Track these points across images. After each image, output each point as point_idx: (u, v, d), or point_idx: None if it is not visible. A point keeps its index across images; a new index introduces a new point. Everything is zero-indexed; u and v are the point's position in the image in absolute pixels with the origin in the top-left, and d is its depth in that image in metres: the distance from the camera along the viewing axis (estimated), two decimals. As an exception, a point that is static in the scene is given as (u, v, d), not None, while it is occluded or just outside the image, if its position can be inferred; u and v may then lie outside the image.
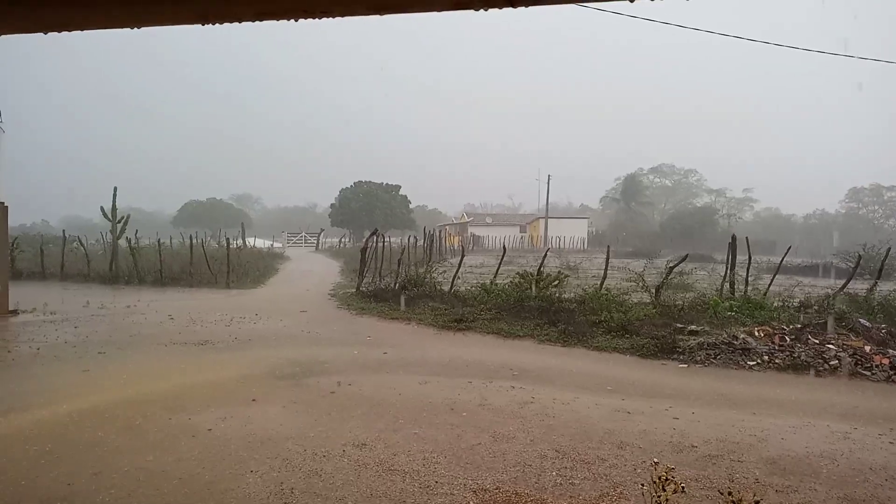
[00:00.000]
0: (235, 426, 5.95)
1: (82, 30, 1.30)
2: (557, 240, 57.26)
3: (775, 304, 12.98)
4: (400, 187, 67.20)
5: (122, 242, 25.05)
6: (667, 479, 3.24)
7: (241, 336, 11.24)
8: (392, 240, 29.50)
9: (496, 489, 4.52)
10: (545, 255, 18.06)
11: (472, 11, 1.36)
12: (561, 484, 4.66)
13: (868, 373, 8.69)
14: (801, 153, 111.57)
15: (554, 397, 7.24)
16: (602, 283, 14.69)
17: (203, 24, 1.25)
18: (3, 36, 1.43)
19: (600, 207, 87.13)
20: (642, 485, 3.93)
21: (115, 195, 25.02)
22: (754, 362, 9.22)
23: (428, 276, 16.52)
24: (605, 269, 15.67)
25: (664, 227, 68.78)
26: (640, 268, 15.84)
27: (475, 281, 17.27)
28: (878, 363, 8.89)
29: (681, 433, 5.99)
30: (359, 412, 6.50)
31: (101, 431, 5.75)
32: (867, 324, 10.60)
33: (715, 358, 9.45)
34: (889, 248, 16.25)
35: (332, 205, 67.68)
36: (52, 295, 17.56)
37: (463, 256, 19.35)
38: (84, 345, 10.23)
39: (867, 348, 9.46)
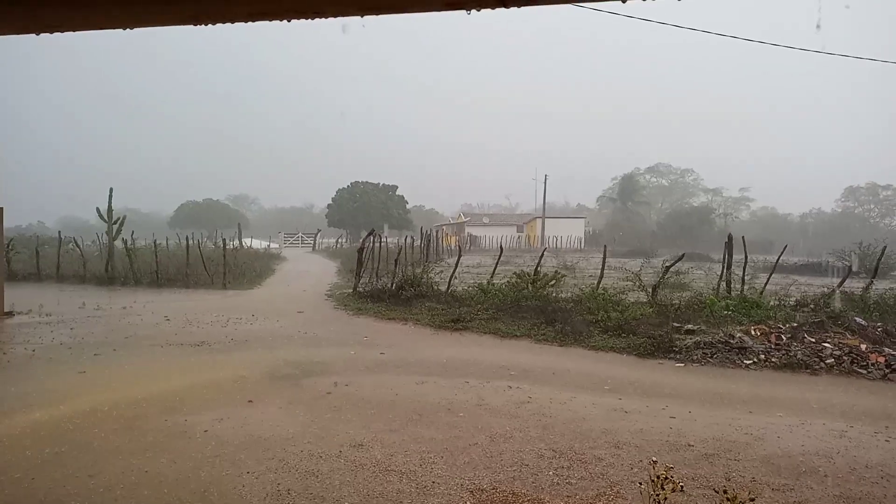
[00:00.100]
0: (232, 427, 5.94)
1: (75, 31, 1.29)
2: (554, 239, 57.32)
3: (772, 302, 13.01)
4: (397, 187, 67.22)
5: (119, 243, 25.01)
6: (666, 478, 3.24)
7: (238, 337, 11.22)
8: (389, 240, 29.53)
9: (493, 489, 4.52)
10: (542, 254, 18.07)
11: (465, 12, 1.36)
12: (558, 483, 4.66)
13: (864, 371, 8.72)
14: (798, 153, 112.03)
15: (551, 397, 7.24)
16: (599, 283, 14.70)
17: (195, 25, 1.25)
18: (-3, 37, 1.43)
19: (597, 207, 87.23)
20: (640, 483, 3.94)
21: (110, 196, 24.98)
22: (751, 361, 9.24)
23: (425, 276, 16.50)
24: (602, 269, 15.69)
25: (661, 227, 68.90)
26: (636, 267, 15.89)
27: (472, 281, 17.28)
28: (874, 361, 8.92)
29: (677, 432, 6.00)
30: (356, 413, 6.50)
31: (98, 433, 5.73)
32: (863, 322, 10.64)
33: (711, 357, 9.47)
34: (885, 247, 16.29)
35: (328, 205, 67.64)
36: (48, 296, 17.51)
37: (460, 256, 19.36)
38: (80, 346, 10.20)
39: (863, 347, 9.50)
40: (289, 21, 1.23)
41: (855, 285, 14.58)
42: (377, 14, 1.22)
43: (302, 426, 6.02)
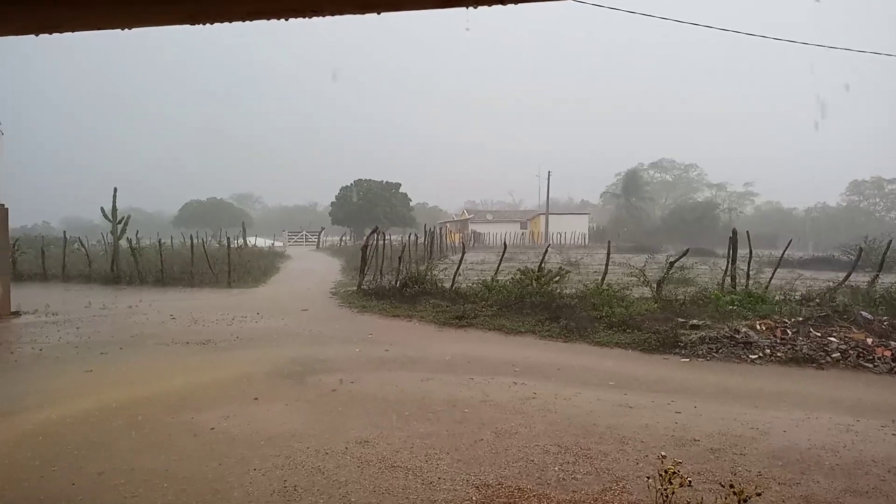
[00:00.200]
0: (238, 425, 5.96)
1: (74, 31, 1.30)
2: (558, 236, 57.27)
3: (777, 297, 12.96)
4: (400, 185, 67.28)
5: (123, 243, 25.09)
6: (673, 473, 3.24)
7: (243, 335, 11.26)
8: (393, 238, 29.54)
9: (498, 485, 4.53)
10: (546, 251, 18.06)
11: (465, 9, 1.35)
12: (563, 479, 4.67)
13: (870, 365, 8.68)
14: (802, 147, 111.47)
15: (556, 393, 7.24)
16: (603, 279, 14.69)
17: (193, 24, 1.25)
18: (-2, 38, 1.44)
19: (601, 203, 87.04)
20: (648, 478, 3.94)
21: (115, 196, 25.05)
22: (756, 356, 9.21)
23: (429, 273, 16.51)
24: (606, 265, 15.66)
25: (665, 222, 68.74)
26: (641, 263, 15.85)
27: (476, 278, 17.28)
28: (880, 355, 8.89)
29: (683, 427, 5.99)
30: (361, 409, 6.51)
31: (105, 431, 5.77)
32: (869, 316, 10.59)
33: (717, 352, 9.45)
34: (890, 241, 16.17)
35: (332, 203, 67.72)
36: (54, 296, 17.61)
37: (464, 253, 19.35)
38: (86, 345, 10.25)
39: (869, 340, 9.46)
40: (286, 20, 1.23)
41: (861, 279, 14.51)
42: (374, 12, 1.22)
43: (308, 423, 6.04)
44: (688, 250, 15.44)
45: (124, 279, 22.49)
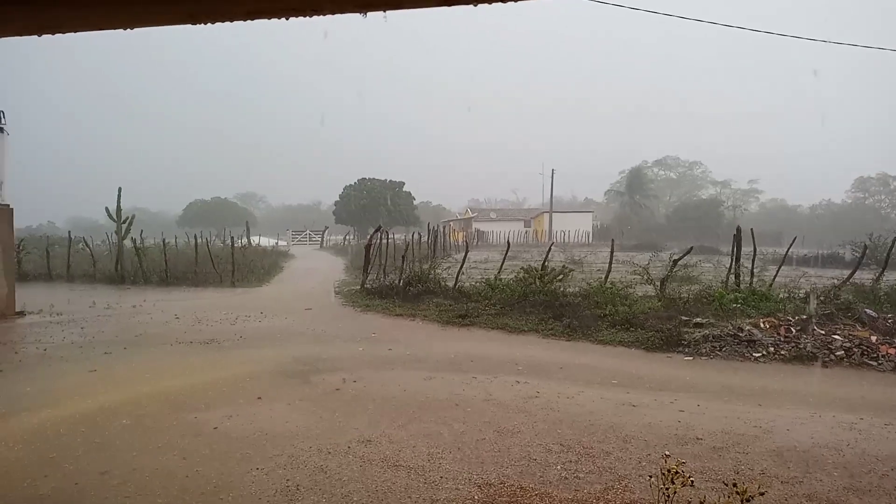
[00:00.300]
0: (241, 424, 5.98)
1: (75, 31, 1.30)
2: (562, 234, 57.16)
3: (781, 295, 12.93)
4: (404, 184, 67.24)
5: (128, 243, 25.19)
6: (676, 472, 3.23)
7: (247, 334, 11.28)
8: (396, 236, 29.56)
9: (501, 484, 4.53)
10: (549, 249, 18.04)
11: (463, 7, 1.35)
12: (566, 478, 4.67)
13: (874, 363, 8.66)
14: (807, 144, 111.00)
15: (559, 391, 7.24)
16: (607, 277, 14.68)
17: (194, 24, 1.25)
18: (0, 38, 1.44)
19: (605, 201, 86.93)
20: (650, 476, 3.94)
21: (119, 196, 25.14)
22: (760, 354, 9.19)
23: (432, 272, 16.52)
24: (610, 263, 15.64)
25: (669, 220, 68.63)
26: (645, 261, 15.80)
27: (479, 276, 17.29)
28: (885, 353, 8.86)
29: (686, 426, 5.98)
30: (364, 409, 6.52)
31: (108, 431, 5.79)
32: (873, 314, 10.56)
33: (720, 350, 9.43)
34: (895, 238, 16.13)
35: (336, 202, 67.77)
36: (59, 296, 17.66)
37: (467, 252, 19.36)
38: (90, 345, 10.29)
39: (873, 338, 9.43)
40: (287, 19, 1.23)
41: (866, 277, 14.46)
42: (374, 10, 1.22)
43: (310, 422, 6.05)
44: (691, 248, 15.40)
45: (128, 279, 22.55)
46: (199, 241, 25.03)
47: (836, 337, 9.57)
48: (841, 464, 4.98)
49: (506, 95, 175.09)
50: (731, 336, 9.80)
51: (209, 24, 1.30)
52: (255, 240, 43.09)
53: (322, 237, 54.73)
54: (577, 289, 13.96)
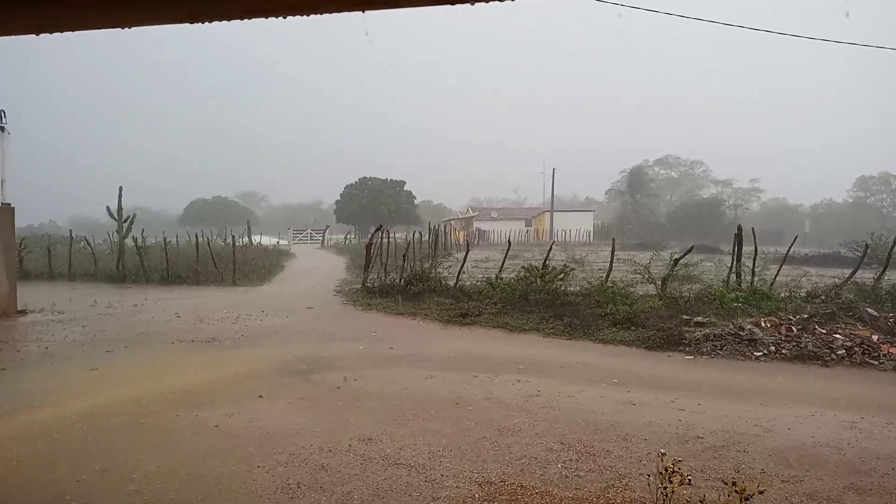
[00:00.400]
0: (242, 422, 5.99)
1: (73, 30, 1.31)
2: (563, 233, 57.15)
3: (782, 294, 12.91)
4: (405, 183, 67.23)
5: (129, 242, 25.22)
6: (673, 471, 3.24)
7: (248, 333, 11.30)
8: (397, 235, 29.56)
9: (501, 482, 4.54)
10: (550, 248, 18.04)
11: (463, 7, 1.35)
12: (566, 476, 4.67)
13: (875, 362, 8.65)
14: (809, 143, 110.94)
15: (559, 390, 7.24)
16: (608, 276, 14.67)
17: (192, 23, 1.26)
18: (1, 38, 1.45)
19: (606, 200, 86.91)
20: (648, 475, 3.94)
21: (120, 195, 25.18)
22: (761, 353, 9.19)
23: (433, 271, 16.53)
24: (611, 262, 15.63)
25: (670, 219, 68.55)
26: (646, 260, 15.80)
27: (480, 275, 17.28)
28: (886, 352, 8.86)
29: (686, 424, 5.98)
30: (365, 407, 6.53)
31: (109, 429, 5.80)
32: (874, 313, 10.55)
33: (721, 349, 9.43)
34: (897, 237, 16.10)
35: (337, 201, 67.79)
36: (60, 294, 17.70)
37: (468, 251, 19.37)
38: (92, 343, 10.31)
39: (874, 338, 9.43)
40: (284, 17, 1.23)
41: (867, 276, 14.44)
42: (372, 9, 1.22)
43: (311, 421, 6.06)
44: (692, 247, 15.40)
45: (130, 278, 22.58)
46: (200, 240, 25.04)
47: (837, 336, 9.56)
48: (842, 463, 4.98)
49: (506, 95, 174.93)
50: (732, 335, 9.80)
51: (208, 24, 1.30)
52: (256, 239, 43.21)
53: (323, 236, 54.77)
54: (578, 288, 13.96)
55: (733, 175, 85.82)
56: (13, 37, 1.42)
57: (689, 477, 3.35)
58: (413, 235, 26.96)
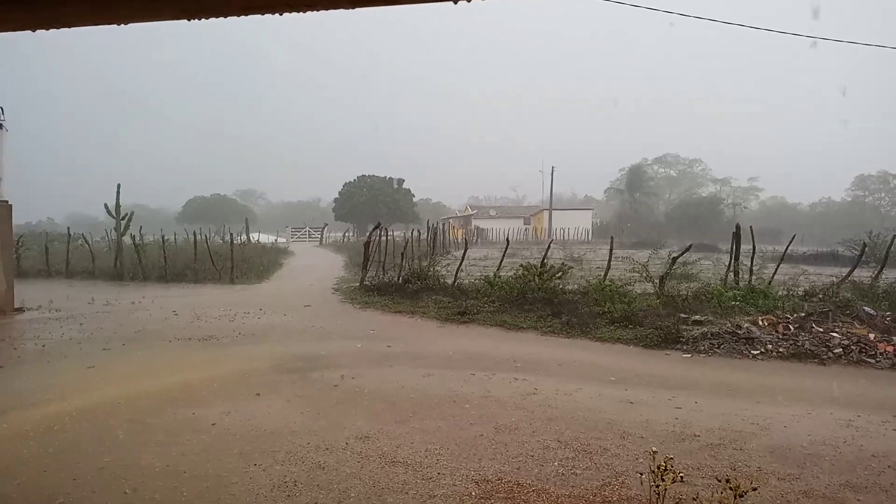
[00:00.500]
0: (240, 420, 5.99)
1: (70, 27, 1.31)
2: (562, 231, 57.11)
3: (780, 293, 12.93)
4: (403, 181, 67.19)
5: (127, 239, 25.18)
6: (665, 469, 3.25)
7: (245, 331, 11.29)
8: (396, 233, 29.54)
9: (498, 480, 4.55)
10: (548, 246, 18.05)
11: (462, 5, 1.35)
12: (563, 474, 4.68)
13: (872, 360, 8.67)
14: (808, 142, 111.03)
15: (557, 388, 7.25)
16: (605, 274, 14.68)
17: (189, 20, 1.26)
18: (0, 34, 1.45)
19: (605, 198, 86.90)
20: (641, 474, 3.95)
21: (118, 192, 25.12)
22: (758, 351, 9.21)
23: (431, 269, 16.53)
24: (609, 260, 15.64)
25: (669, 218, 68.57)
26: (644, 258, 15.80)
27: (479, 274, 17.28)
28: (883, 351, 8.88)
29: (683, 422, 6.00)
30: (362, 405, 6.54)
31: (106, 427, 5.80)
32: (872, 312, 10.58)
33: (718, 347, 9.44)
34: (894, 236, 16.11)
35: (335, 199, 67.75)
36: (58, 292, 17.67)
37: (466, 249, 19.37)
38: (89, 341, 10.30)
39: (871, 336, 9.45)
40: (281, 14, 1.23)
41: (864, 275, 14.47)
42: (368, 7, 1.22)
43: (309, 419, 6.06)
44: (690, 246, 15.40)
45: (127, 275, 22.55)
46: (198, 237, 25.04)
47: (834, 334, 9.58)
48: (838, 461, 5.00)
49: (506, 93, 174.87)
50: (729, 333, 9.82)
51: (206, 21, 1.30)
52: (254, 236, 43.14)
53: (321, 234, 54.71)
54: (576, 286, 13.96)
55: (732, 174, 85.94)
56: (11, 34, 1.42)
57: (681, 475, 3.36)
58: (411, 233, 26.98)
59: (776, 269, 14.89)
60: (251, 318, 12.94)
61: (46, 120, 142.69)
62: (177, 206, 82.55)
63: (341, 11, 1.30)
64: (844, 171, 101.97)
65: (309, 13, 1.27)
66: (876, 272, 14.07)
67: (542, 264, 14.74)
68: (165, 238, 25.28)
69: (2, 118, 14.65)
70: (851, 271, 14.19)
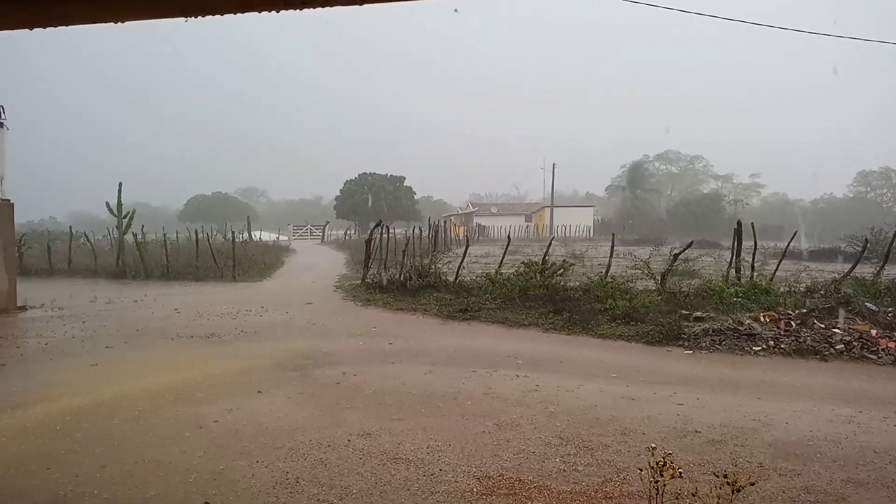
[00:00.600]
0: (242, 418, 6.00)
1: (67, 25, 1.30)
2: (563, 229, 57.13)
3: (781, 289, 12.92)
4: (404, 178, 67.20)
5: (129, 237, 25.22)
6: (664, 465, 3.26)
7: (247, 329, 11.31)
8: (397, 231, 29.55)
9: (500, 476, 4.55)
10: (550, 243, 18.04)
11: (460, 2, 1.34)
12: (564, 470, 4.68)
13: (874, 356, 8.66)
14: (810, 137, 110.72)
15: (558, 385, 7.26)
16: (607, 271, 14.67)
17: (185, 18, 1.25)
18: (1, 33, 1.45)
19: (606, 195, 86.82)
20: (640, 469, 3.95)
21: (120, 191, 25.16)
22: (760, 347, 9.20)
23: (433, 266, 16.54)
24: (611, 257, 15.63)
25: (671, 214, 68.53)
26: (645, 255, 15.81)
27: (480, 271, 17.28)
28: (885, 347, 8.86)
29: (685, 419, 6.00)
30: (364, 402, 6.55)
31: (109, 425, 5.81)
32: (873, 308, 10.56)
33: (720, 344, 9.44)
34: (896, 232, 16.08)
35: (337, 197, 67.76)
36: (60, 290, 17.71)
37: (468, 247, 19.38)
38: (92, 339, 10.33)
39: (873, 332, 9.43)
40: (277, 12, 1.23)
41: (866, 271, 14.44)
42: (364, 4, 1.22)
43: (311, 416, 6.08)
44: (692, 242, 15.39)
45: (130, 273, 22.60)
46: (199, 235, 25.04)
47: (836, 330, 9.57)
48: (839, 457, 5.00)
49: (507, 90, 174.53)
50: (731, 330, 9.81)
51: (204, 18, 1.30)
52: (256, 234, 43.19)
53: (323, 232, 54.69)
54: (577, 283, 13.96)
55: (734, 170, 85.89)
56: (12, 32, 1.42)
57: (679, 470, 3.37)
58: (413, 231, 26.98)
59: (778, 266, 14.86)
60: (253, 315, 12.96)
61: (48, 119, 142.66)
62: (178, 205, 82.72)
63: (341, 8, 1.29)
64: (846, 166, 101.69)
65: (306, 10, 1.27)
66: (878, 268, 14.04)
67: (544, 261, 14.75)
68: (167, 236, 25.32)
69: (3, 117, 14.66)
70: (853, 267, 14.16)
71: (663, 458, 3.30)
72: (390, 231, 21.92)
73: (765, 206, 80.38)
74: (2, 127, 14.66)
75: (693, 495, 3.72)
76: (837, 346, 8.98)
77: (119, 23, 1.32)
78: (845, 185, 79.43)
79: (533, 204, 78.61)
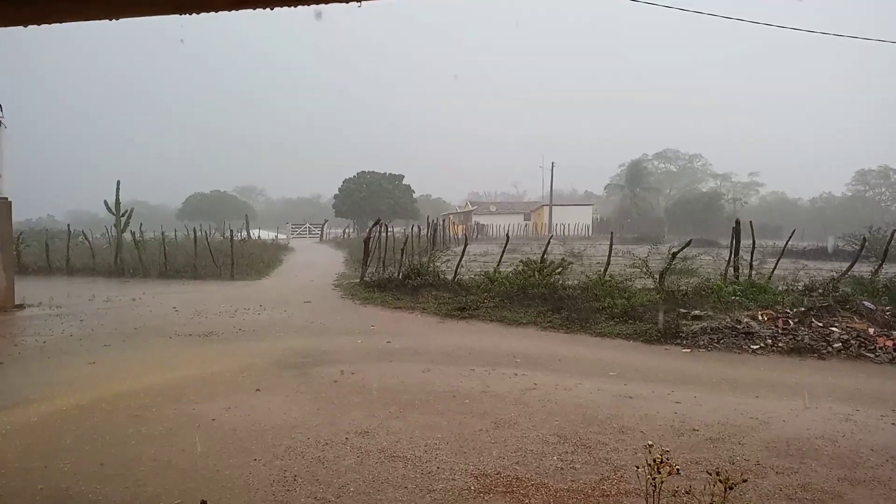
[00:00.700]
0: (240, 416, 6.00)
1: (61, 22, 1.30)
2: (562, 227, 57.13)
3: (779, 287, 12.92)
4: (403, 177, 67.09)
5: (127, 236, 25.20)
6: (662, 462, 3.26)
7: (246, 327, 11.30)
8: (395, 230, 29.54)
9: (497, 474, 4.56)
10: (548, 242, 18.04)
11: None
12: (562, 468, 4.69)
13: (871, 355, 8.68)
14: (808, 136, 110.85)
15: (556, 383, 7.26)
16: (605, 270, 14.67)
17: (180, 14, 1.25)
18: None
19: (605, 194, 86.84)
20: (637, 467, 3.96)
21: (118, 189, 25.14)
22: (757, 346, 9.21)
23: (431, 265, 16.53)
24: (609, 256, 15.63)
25: (669, 213, 68.57)
26: (644, 254, 15.79)
27: (479, 269, 17.28)
28: (882, 345, 8.88)
29: (682, 417, 6.01)
30: (362, 400, 6.55)
31: (107, 423, 5.81)
32: (871, 306, 10.57)
33: (718, 342, 9.45)
34: (894, 231, 16.08)
35: (335, 195, 67.68)
36: (58, 289, 17.69)
37: (466, 245, 19.37)
38: (90, 338, 10.31)
39: (871, 330, 9.45)
40: (272, 9, 1.23)
41: (864, 269, 14.45)
42: (359, 1, 1.22)
43: (309, 414, 6.08)
44: (690, 241, 15.37)
45: (128, 272, 22.59)
46: (198, 234, 25.05)
47: (833, 329, 9.58)
48: (836, 455, 5.01)
49: (506, 89, 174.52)
50: (729, 328, 9.82)
51: (199, 15, 1.30)
52: (254, 233, 43.14)
53: (322, 230, 54.66)
54: (576, 282, 13.96)
55: (732, 169, 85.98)
56: (10, 29, 1.41)
57: (677, 467, 3.37)
58: (411, 230, 26.97)
59: (776, 264, 14.88)
60: (251, 314, 12.95)
61: (46, 117, 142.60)
62: (177, 203, 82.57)
63: (340, 6, 1.29)
64: (845, 165, 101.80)
65: (300, 7, 1.27)
66: (876, 267, 14.05)
67: (542, 260, 14.75)
68: (165, 234, 25.29)
69: (1, 115, 14.63)
70: (851, 266, 14.17)
71: (661, 455, 3.31)
72: (389, 230, 21.92)
73: (763, 205, 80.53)
74: (0, 125, 14.62)
75: (687, 493, 3.72)
76: (835, 345, 8.99)
77: (113, 19, 1.32)
78: (844, 183, 79.74)
79: (532, 202, 78.64)
